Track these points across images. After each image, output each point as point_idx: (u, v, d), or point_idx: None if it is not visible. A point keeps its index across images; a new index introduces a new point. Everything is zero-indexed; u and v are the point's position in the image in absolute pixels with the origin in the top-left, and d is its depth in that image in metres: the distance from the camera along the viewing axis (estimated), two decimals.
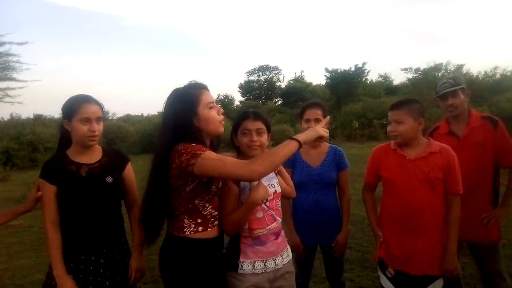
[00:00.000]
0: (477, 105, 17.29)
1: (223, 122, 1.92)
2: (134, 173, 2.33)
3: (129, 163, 2.32)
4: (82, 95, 2.10)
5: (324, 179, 2.70)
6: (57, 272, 2.00)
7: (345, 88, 28.34)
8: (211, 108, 1.86)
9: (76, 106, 2.03)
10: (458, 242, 2.75)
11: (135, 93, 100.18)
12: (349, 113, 21.40)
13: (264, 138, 2.08)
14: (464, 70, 23.97)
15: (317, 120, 2.62)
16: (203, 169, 1.67)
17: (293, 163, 2.73)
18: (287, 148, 1.70)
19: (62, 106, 2.08)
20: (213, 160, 1.67)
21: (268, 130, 2.12)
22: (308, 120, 2.68)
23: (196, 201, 1.83)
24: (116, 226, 2.20)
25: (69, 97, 2.09)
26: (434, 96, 2.89)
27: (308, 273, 2.93)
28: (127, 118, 36.60)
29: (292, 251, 2.64)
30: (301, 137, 1.76)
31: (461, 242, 2.81)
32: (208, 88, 1.93)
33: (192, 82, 1.93)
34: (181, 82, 1.93)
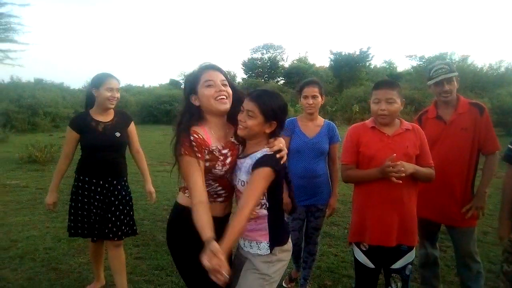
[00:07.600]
0: (479, 96, 17.05)
1: (221, 99, 1.88)
2: None
3: (132, 122, 3.15)
4: (106, 72, 2.95)
5: (317, 148, 2.99)
6: (51, 187, 3.00)
7: (348, 71, 28.00)
8: (208, 86, 1.88)
9: (103, 79, 2.88)
10: (436, 225, 2.89)
11: (138, 63, 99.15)
12: (350, 97, 21.24)
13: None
14: (469, 61, 23.73)
15: (314, 97, 2.97)
16: (180, 168, 1.86)
17: (291, 132, 3.02)
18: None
19: (92, 78, 2.94)
20: (184, 168, 1.83)
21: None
22: (306, 97, 2.99)
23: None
24: (120, 165, 3.03)
25: (97, 73, 2.94)
26: (427, 81, 2.81)
27: (301, 234, 3.18)
28: (129, 88, 36.36)
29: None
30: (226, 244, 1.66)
31: (440, 225, 2.92)
32: (216, 67, 1.96)
33: (202, 64, 1.99)
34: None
